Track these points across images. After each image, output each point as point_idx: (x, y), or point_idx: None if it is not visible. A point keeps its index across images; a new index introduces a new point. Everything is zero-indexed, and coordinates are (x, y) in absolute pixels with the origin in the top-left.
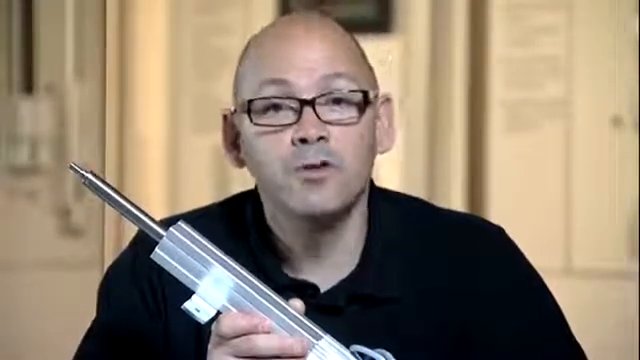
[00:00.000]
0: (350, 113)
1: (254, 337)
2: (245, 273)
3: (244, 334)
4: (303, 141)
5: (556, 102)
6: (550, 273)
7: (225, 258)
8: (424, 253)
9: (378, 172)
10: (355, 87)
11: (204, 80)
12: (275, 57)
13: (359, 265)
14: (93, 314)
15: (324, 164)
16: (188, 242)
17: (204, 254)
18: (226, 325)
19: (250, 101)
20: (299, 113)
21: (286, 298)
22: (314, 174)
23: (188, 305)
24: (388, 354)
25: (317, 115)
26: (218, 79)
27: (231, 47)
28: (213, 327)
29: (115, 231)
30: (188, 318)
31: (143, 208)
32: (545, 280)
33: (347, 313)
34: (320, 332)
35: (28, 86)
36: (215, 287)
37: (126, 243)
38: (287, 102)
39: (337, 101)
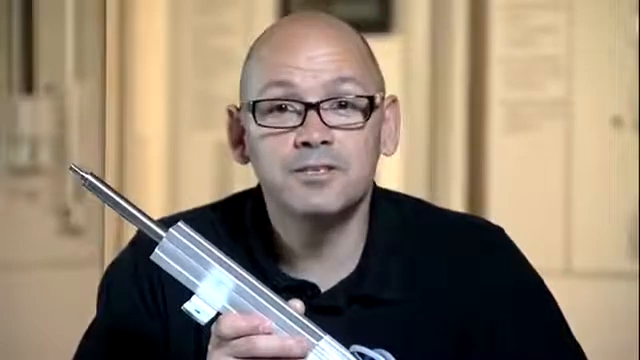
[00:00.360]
0: (355, 118)
1: (254, 338)
2: (245, 274)
3: (244, 335)
4: (306, 144)
5: (556, 102)
6: (550, 274)
7: (225, 259)
8: (424, 253)
9: (378, 172)
10: (361, 92)
11: (204, 80)
12: (281, 58)
13: (359, 265)
14: (93, 313)
15: (327, 167)
16: (188, 243)
17: (204, 255)
18: (226, 326)
19: (255, 102)
20: (303, 116)
21: (286, 298)
22: (315, 176)
23: (188, 306)
24: (388, 354)
25: (321, 119)
26: (218, 79)
27: (231, 47)
28: (213, 328)
29: (115, 231)
30: (188, 318)
31: (143, 208)
32: (545, 280)
33: (347, 313)
34: (320, 332)
35: (28, 86)
36: (215, 288)
37: (126, 243)
38: (292, 104)
39: (342, 105)
